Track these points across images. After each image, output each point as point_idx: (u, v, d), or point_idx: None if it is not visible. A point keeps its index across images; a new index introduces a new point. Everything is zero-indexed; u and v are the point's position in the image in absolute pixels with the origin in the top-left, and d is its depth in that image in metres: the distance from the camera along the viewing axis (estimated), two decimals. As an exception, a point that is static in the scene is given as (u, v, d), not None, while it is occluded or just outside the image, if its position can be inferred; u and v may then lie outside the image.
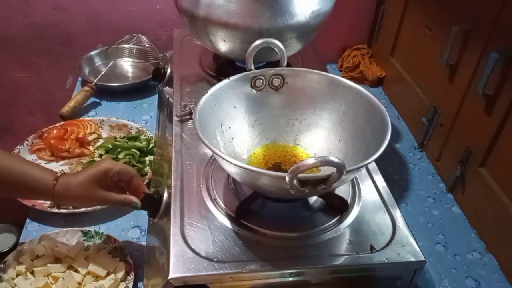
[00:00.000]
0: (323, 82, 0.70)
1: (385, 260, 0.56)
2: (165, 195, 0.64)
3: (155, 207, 0.63)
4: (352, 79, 1.12)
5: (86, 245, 0.74)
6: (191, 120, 0.78)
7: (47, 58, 1.29)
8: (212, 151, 0.54)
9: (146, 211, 0.66)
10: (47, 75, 1.32)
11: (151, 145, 0.95)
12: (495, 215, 0.77)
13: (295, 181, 0.48)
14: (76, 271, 0.70)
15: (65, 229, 0.76)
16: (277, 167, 0.67)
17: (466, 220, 0.85)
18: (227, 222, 0.60)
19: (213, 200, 0.63)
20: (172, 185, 0.65)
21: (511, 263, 0.74)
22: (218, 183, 0.66)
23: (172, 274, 0.52)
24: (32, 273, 0.69)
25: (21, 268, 0.69)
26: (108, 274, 0.69)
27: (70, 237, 0.75)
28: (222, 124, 0.67)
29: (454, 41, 0.83)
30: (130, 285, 0.68)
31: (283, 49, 0.70)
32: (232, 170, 0.57)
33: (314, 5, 0.81)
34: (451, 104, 0.88)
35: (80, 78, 1.21)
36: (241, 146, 0.69)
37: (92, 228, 0.77)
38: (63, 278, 0.68)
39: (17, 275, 0.69)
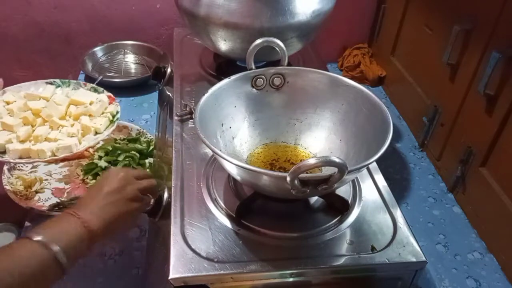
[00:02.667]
0: (324, 82, 0.69)
1: (386, 260, 0.55)
2: (165, 195, 0.64)
3: (155, 207, 0.63)
4: (352, 78, 1.11)
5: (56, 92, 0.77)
6: (192, 120, 0.78)
7: (47, 57, 1.28)
8: (213, 151, 0.54)
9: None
10: (47, 74, 1.31)
11: (151, 147, 0.95)
12: (496, 215, 0.77)
13: (296, 181, 0.48)
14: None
15: (27, 82, 0.77)
16: (277, 167, 0.67)
17: (467, 220, 0.85)
18: (227, 222, 0.60)
19: (214, 200, 0.63)
20: (173, 185, 0.64)
21: (511, 263, 0.74)
22: (219, 183, 0.66)
23: (172, 274, 0.52)
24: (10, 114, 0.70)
25: None
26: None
27: (35, 89, 0.75)
28: (222, 124, 0.67)
29: (455, 40, 0.83)
30: (118, 108, 0.73)
31: (284, 48, 0.70)
32: (232, 170, 0.56)
33: (314, 5, 0.81)
34: (452, 103, 0.88)
35: (79, 78, 1.21)
36: (241, 146, 0.69)
37: (57, 80, 0.80)
38: (46, 107, 0.68)
39: None
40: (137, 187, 0.59)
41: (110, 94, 0.81)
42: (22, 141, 0.74)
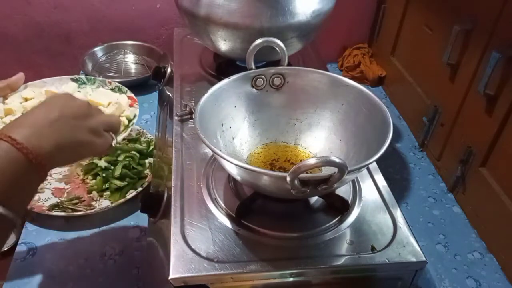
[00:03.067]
0: (324, 82, 0.69)
1: (386, 260, 0.55)
2: (165, 195, 0.64)
3: (155, 207, 0.63)
4: (352, 78, 1.11)
5: (79, 91, 0.72)
6: (192, 120, 0.78)
7: (47, 57, 1.28)
8: (213, 151, 0.54)
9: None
10: (47, 74, 1.31)
11: (151, 147, 0.95)
12: (496, 215, 0.77)
13: (296, 181, 0.48)
14: None
15: (52, 78, 0.73)
16: (277, 167, 0.67)
17: (467, 220, 0.85)
18: (227, 222, 0.60)
19: (214, 200, 0.63)
20: (172, 185, 0.64)
21: (511, 263, 0.74)
22: (219, 183, 0.66)
23: (172, 274, 0.52)
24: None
25: (11, 106, 0.64)
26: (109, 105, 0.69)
27: (58, 85, 0.71)
28: (222, 124, 0.67)
29: (455, 40, 0.83)
30: (137, 111, 0.68)
31: (284, 48, 0.70)
32: (232, 170, 0.56)
33: (315, 5, 0.81)
34: (452, 103, 0.88)
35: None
36: (241, 146, 0.69)
37: (82, 76, 0.76)
38: None
39: (6, 115, 0.64)
40: (103, 120, 0.53)
41: (132, 95, 0.77)
42: None
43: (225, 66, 0.91)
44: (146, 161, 0.93)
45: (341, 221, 0.61)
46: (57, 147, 0.45)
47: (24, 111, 0.68)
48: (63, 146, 0.45)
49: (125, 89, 0.78)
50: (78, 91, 0.76)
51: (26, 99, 0.71)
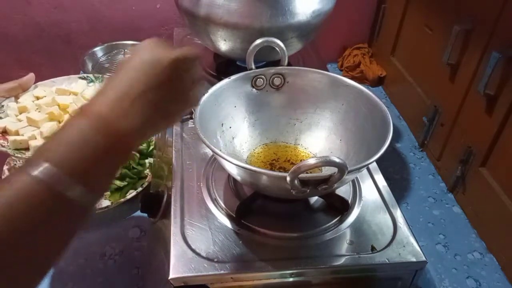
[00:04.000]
0: (324, 82, 0.69)
1: (386, 260, 0.55)
2: (165, 195, 0.64)
3: (155, 207, 0.63)
4: (352, 78, 1.11)
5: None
6: (192, 120, 0.78)
7: (47, 57, 1.28)
8: (213, 151, 0.54)
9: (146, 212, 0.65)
10: (47, 74, 1.31)
11: (151, 147, 0.95)
12: (496, 215, 0.77)
13: (296, 181, 0.48)
14: None
15: (60, 77, 0.74)
16: (277, 167, 0.67)
17: (467, 220, 0.85)
18: (227, 222, 0.60)
19: (214, 200, 0.63)
20: (173, 185, 0.64)
21: (511, 263, 0.74)
22: (219, 183, 0.66)
23: (172, 274, 0.52)
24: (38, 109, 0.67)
25: (24, 104, 0.65)
26: None
27: (67, 84, 0.73)
28: (222, 124, 0.67)
29: (455, 40, 0.83)
30: None
31: (284, 48, 0.70)
32: (232, 170, 0.56)
33: (315, 5, 0.81)
34: (452, 103, 0.88)
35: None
36: (241, 146, 0.69)
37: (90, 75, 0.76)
38: (73, 103, 0.64)
39: (20, 112, 0.65)
40: (196, 71, 0.44)
41: None
42: (46, 138, 0.70)
43: (225, 66, 0.91)
44: (146, 161, 0.93)
45: (341, 221, 0.61)
46: (141, 125, 0.39)
47: (37, 109, 0.69)
48: (147, 124, 0.40)
49: None
50: (88, 87, 0.77)
51: (37, 98, 0.72)
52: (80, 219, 0.36)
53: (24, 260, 0.32)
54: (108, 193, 0.85)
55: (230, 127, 0.68)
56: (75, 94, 0.78)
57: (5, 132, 0.69)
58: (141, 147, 0.94)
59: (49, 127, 0.71)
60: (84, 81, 0.79)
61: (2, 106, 0.69)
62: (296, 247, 0.57)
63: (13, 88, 0.65)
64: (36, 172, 0.33)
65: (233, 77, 0.68)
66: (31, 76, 0.67)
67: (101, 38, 1.27)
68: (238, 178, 0.58)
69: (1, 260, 0.31)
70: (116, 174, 0.39)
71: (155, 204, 0.63)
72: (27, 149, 0.71)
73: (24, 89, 0.68)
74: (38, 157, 0.34)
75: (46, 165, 0.33)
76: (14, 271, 0.32)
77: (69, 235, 0.36)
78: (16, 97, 0.69)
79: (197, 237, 0.57)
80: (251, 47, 0.69)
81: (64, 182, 0.33)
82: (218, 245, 0.56)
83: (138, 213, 0.75)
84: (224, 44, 0.84)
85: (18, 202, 0.32)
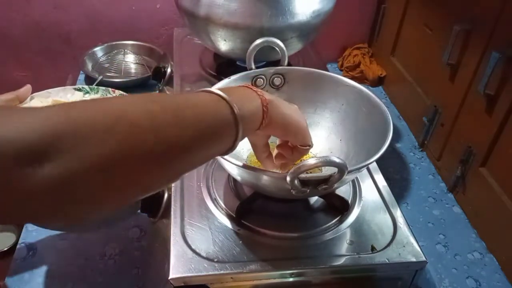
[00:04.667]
0: (324, 82, 0.69)
1: (386, 260, 0.56)
2: (165, 195, 0.64)
3: (155, 207, 0.63)
4: (352, 78, 1.11)
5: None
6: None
7: (47, 57, 1.28)
8: (213, 151, 0.54)
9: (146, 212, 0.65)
10: (47, 74, 1.31)
11: None
12: (496, 215, 0.77)
13: (296, 182, 0.48)
14: None
15: (56, 88, 0.75)
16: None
17: (467, 220, 0.85)
18: (227, 222, 0.60)
19: (214, 200, 0.63)
20: (173, 185, 0.64)
21: (511, 263, 0.74)
22: (219, 183, 0.66)
23: (172, 274, 0.52)
24: None
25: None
26: None
27: (63, 95, 0.74)
28: (222, 124, 0.67)
29: (455, 40, 0.83)
30: None
31: (284, 48, 0.70)
32: (232, 170, 0.56)
33: (315, 5, 0.81)
34: (451, 103, 0.88)
35: (79, 78, 1.21)
36: (241, 146, 0.69)
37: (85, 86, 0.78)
38: None
39: None
40: None
41: None
42: None
43: (225, 66, 0.91)
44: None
45: (341, 221, 0.61)
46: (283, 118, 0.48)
47: None
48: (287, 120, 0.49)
49: None
50: (84, 98, 0.78)
51: None
52: (227, 145, 0.42)
53: (177, 162, 0.37)
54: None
55: (230, 127, 0.68)
56: None
57: None
58: None
59: None
60: (80, 93, 0.79)
61: None
62: (296, 247, 0.57)
63: (11, 99, 0.66)
64: (218, 92, 0.41)
65: (233, 77, 0.68)
66: (28, 87, 0.69)
67: (101, 38, 1.27)
68: (238, 178, 0.58)
69: (167, 157, 0.35)
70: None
71: (155, 204, 0.63)
72: None
73: (22, 100, 0.69)
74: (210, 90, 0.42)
75: (220, 92, 0.41)
76: (168, 170, 0.36)
77: (211, 156, 0.43)
78: None
79: (197, 237, 0.57)
80: (251, 47, 0.69)
81: (236, 104, 0.41)
82: (218, 245, 0.56)
83: (138, 213, 0.75)
84: (224, 44, 0.84)
85: (205, 110, 0.39)
